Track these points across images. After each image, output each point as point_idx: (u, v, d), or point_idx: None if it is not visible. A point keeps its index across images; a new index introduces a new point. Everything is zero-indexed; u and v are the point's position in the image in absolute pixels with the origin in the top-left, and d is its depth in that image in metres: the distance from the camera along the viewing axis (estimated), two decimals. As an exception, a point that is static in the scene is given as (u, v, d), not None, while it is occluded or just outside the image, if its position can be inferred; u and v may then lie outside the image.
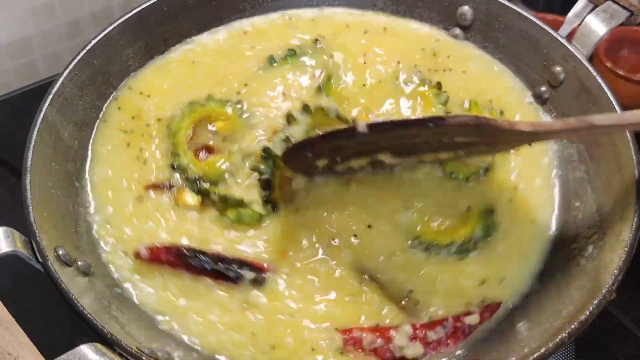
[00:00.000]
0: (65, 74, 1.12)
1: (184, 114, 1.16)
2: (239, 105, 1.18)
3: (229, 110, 1.17)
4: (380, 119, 1.15)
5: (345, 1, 1.34)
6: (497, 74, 1.26)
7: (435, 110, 1.17)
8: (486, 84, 1.24)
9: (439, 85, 1.21)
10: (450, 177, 1.11)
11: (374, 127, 0.96)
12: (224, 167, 1.11)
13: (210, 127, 1.15)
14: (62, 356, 0.78)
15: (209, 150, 1.14)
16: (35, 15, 1.50)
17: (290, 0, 1.34)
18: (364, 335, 1.00)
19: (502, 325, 1.02)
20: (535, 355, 0.88)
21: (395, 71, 1.24)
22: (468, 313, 1.02)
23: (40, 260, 0.92)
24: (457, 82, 1.23)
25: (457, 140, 0.97)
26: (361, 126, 0.96)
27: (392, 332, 1.00)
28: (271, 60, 1.24)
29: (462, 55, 1.28)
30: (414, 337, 1.00)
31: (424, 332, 1.00)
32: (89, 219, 1.09)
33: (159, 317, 1.01)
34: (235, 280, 1.02)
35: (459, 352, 1.00)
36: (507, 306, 1.04)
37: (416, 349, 1.00)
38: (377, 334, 1.00)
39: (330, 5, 1.35)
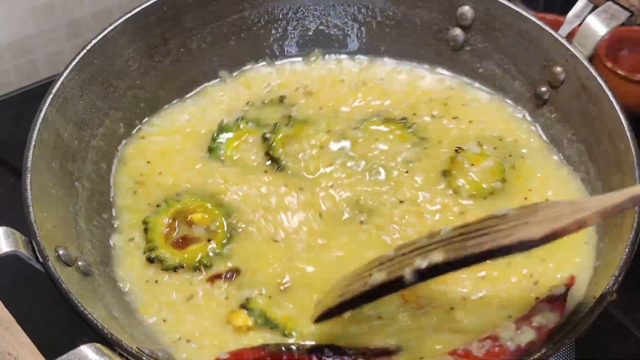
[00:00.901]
0: (65, 74, 1.12)
1: (159, 210, 1.12)
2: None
3: (208, 204, 1.13)
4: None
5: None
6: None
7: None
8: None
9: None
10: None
11: (425, 274, 0.87)
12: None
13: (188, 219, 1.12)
14: (63, 356, 0.77)
15: (189, 241, 1.10)
16: (35, 15, 1.50)
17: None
18: (471, 345, 0.96)
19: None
20: (535, 355, 0.88)
21: None
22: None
23: (41, 260, 0.92)
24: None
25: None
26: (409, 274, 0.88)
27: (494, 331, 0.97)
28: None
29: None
30: (517, 327, 0.96)
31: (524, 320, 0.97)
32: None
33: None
34: None
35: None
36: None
37: (527, 334, 0.95)
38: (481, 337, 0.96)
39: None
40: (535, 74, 1.23)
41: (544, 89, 1.22)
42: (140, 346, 0.90)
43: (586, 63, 1.14)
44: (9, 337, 0.79)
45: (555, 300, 0.99)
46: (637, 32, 1.49)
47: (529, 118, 1.25)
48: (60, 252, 0.96)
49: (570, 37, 1.19)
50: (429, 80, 1.33)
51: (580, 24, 1.19)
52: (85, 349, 0.79)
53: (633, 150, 1.04)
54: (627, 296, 1.01)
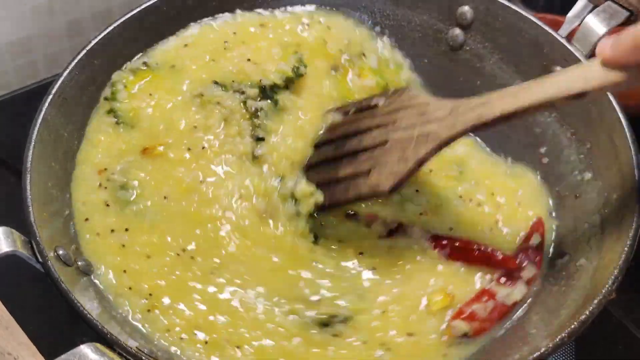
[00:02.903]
0: (65, 74, 1.12)
1: None
2: None
3: None
4: None
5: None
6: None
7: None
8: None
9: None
10: None
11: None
12: None
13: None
14: (62, 356, 0.78)
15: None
16: (35, 15, 1.50)
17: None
18: (474, 306, 1.01)
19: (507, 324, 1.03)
20: (535, 355, 0.88)
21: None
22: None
23: (40, 260, 0.92)
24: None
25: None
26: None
27: (490, 288, 1.03)
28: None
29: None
30: (511, 285, 1.03)
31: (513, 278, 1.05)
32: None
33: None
34: None
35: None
36: None
37: (520, 289, 1.02)
38: (480, 298, 1.02)
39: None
40: (535, 73, 1.23)
41: (543, 88, 1.22)
42: (140, 346, 0.90)
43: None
44: (8, 337, 0.80)
45: (534, 250, 1.07)
46: (637, 32, 1.49)
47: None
48: (60, 252, 0.96)
49: (570, 37, 1.19)
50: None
51: (579, 24, 1.19)
52: (85, 349, 0.79)
53: (633, 150, 1.04)
54: (627, 296, 1.01)
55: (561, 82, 0.93)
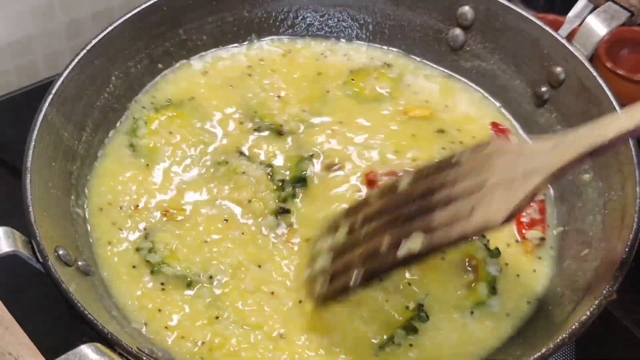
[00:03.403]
0: (65, 74, 1.12)
1: None
2: None
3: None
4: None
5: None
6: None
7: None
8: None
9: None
10: None
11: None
12: None
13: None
14: (62, 356, 0.77)
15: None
16: (35, 15, 1.50)
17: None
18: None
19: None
20: (535, 355, 0.88)
21: None
22: None
23: (41, 260, 0.92)
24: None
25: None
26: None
27: None
28: None
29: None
30: None
31: None
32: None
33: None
34: None
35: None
36: None
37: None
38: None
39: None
40: (535, 74, 1.23)
41: (544, 89, 1.22)
42: (141, 346, 0.90)
43: (586, 63, 1.14)
44: (9, 337, 0.79)
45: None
46: (637, 32, 1.49)
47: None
48: (60, 252, 0.96)
49: (570, 37, 1.19)
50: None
51: (580, 24, 1.19)
52: (85, 349, 0.79)
53: (633, 150, 1.04)
54: (627, 296, 1.01)
55: None
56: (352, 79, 1.31)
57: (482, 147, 0.99)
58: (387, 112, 1.27)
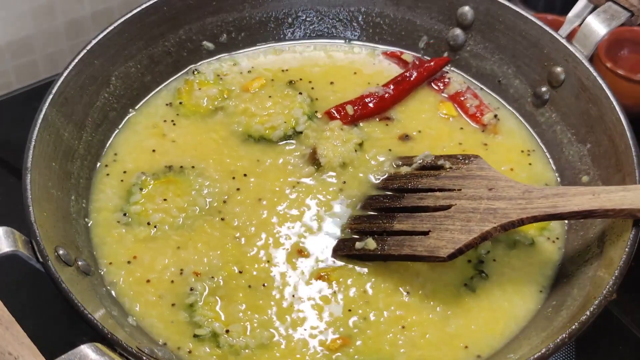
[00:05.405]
0: (65, 74, 1.12)
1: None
2: None
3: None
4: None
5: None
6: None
7: None
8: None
9: None
10: None
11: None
12: None
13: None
14: (63, 356, 0.77)
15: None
16: (35, 15, 1.50)
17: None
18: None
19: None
20: (535, 356, 0.88)
21: None
22: None
23: (41, 260, 0.92)
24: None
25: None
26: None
27: None
28: None
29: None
30: None
31: None
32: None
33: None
34: None
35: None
36: None
37: None
38: None
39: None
40: (535, 73, 1.23)
41: (544, 89, 1.22)
42: (141, 346, 0.90)
43: (586, 63, 1.14)
44: (9, 337, 0.79)
45: None
46: (637, 32, 1.49)
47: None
48: (60, 252, 0.96)
49: (570, 37, 1.19)
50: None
51: (580, 24, 1.19)
52: (85, 349, 0.79)
53: (633, 150, 1.04)
54: (627, 296, 1.01)
55: None
56: None
57: (469, 160, 1.08)
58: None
